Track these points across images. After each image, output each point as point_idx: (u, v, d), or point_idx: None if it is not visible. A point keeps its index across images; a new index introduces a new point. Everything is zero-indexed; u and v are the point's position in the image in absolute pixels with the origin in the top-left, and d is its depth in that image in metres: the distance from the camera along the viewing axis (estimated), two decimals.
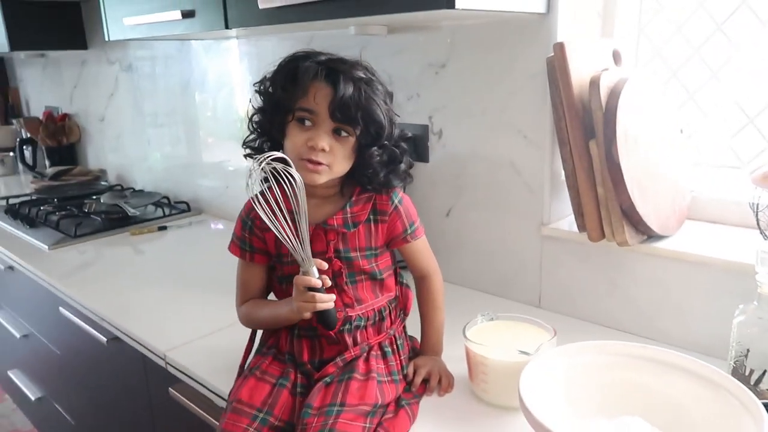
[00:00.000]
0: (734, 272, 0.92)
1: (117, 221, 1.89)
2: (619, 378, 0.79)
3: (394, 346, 0.90)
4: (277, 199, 0.78)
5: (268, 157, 0.76)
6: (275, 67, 0.85)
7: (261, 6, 1.06)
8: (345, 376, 0.81)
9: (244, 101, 1.76)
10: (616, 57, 1.09)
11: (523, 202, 1.16)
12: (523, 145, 1.13)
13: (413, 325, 0.98)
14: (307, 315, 0.81)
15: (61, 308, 1.47)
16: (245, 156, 0.89)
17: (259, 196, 0.79)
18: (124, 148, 2.39)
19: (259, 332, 0.96)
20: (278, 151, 0.85)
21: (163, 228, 1.85)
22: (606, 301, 1.09)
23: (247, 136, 0.89)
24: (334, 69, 0.80)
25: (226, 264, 0.99)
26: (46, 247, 1.69)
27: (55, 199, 2.12)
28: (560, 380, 0.79)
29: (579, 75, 1.00)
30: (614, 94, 0.98)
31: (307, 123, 0.81)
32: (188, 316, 1.24)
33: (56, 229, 1.81)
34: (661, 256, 1.00)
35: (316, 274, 0.80)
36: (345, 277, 0.86)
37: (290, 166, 0.77)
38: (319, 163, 0.81)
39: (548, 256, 1.16)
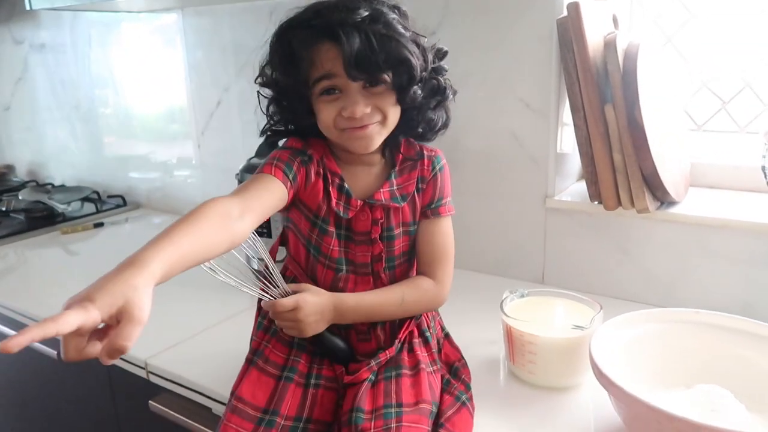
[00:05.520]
0: (758, 234, 0.92)
1: (42, 220, 1.66)
2: (689, 346, 0.76)
3: (431, 330, 0.80)
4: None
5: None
6: (268, 51, 0.71)
7: None
8: (392, 372, 0.71)
9: (184, 82, 1.59)
10: (615, 21, 1.06)
11: (525, 174, 1.11)
12: (526, 115, 1.08)
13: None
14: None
15: None
16: (265, 140, 0.77)
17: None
18: (38, 140, 2.12)
19: None
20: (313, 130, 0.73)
21: (99, 225, 1.65)
22: (617, 272, 1.06)
23: (266, 124, 0.76)
24: (330, 23, 0.66)
25: None
26: None
27: None
28: (622, 352, 0.74)
29: (591, 37, 0.96)
30: (630, 57, 0.95)
31: (336, 92, 0.68)
32: (160, 318, 1.07)
33: None
34: (679, 221, 0.98)
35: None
36: (384, 262, 0.75)
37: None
38: (366, 126, 0.69)
39: (553, 230, 1.11)
